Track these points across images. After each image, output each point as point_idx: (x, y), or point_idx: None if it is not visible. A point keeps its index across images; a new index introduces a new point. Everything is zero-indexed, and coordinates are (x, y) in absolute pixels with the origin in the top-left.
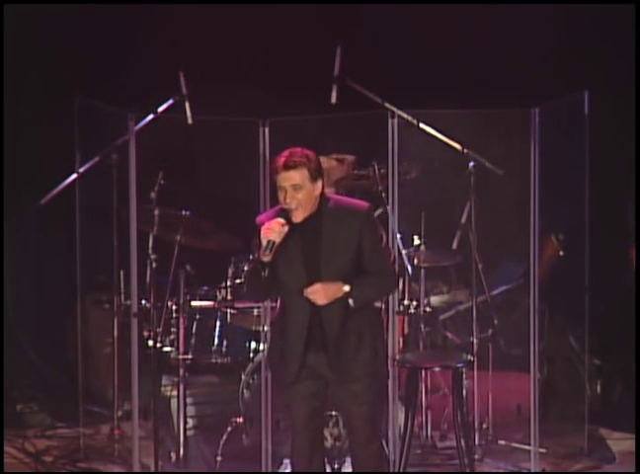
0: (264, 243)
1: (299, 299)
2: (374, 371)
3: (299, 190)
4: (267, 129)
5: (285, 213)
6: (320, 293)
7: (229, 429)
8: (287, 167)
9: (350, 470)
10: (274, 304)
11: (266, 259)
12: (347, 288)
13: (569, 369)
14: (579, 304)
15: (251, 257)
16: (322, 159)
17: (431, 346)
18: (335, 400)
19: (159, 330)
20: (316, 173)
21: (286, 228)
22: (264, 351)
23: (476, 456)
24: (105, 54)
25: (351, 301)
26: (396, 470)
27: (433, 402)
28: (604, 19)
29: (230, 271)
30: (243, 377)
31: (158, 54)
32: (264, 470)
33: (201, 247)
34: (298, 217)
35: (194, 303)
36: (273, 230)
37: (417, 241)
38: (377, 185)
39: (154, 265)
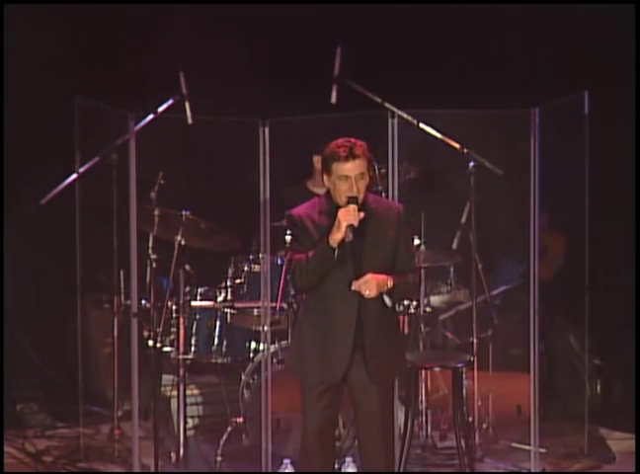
0: (343, 227)
1: (346, 294)
2: (402, 371)
3: (362, 179)
4: (267, 129)
5: (356, 199)
6: (372, 284)
7: (229, 429)
8: (354, 155)
9: (350, 470)
10: (272, 304)
11: (348, 239)
12: (391, 284)
13: (569, 369)
14: (579, 304)
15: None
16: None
17: (431, 346)
18: (355, 397)
19: (159, 330)
20: (370, 165)
21: (362, 214)
22: (264, 350)
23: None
24: (105, 54)
25: (387, 300)
26: (396, 470)
27: (433, 402)
28: (605, 19)
29: (230, 271)
30: (243, 377)
31: (158, 54)
32: (264, 470)
33: (201, 247)
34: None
35: (194, 303)
36: (351, 214)
37: (417, 241)
38: (377, 185)
39: (154, 265)
